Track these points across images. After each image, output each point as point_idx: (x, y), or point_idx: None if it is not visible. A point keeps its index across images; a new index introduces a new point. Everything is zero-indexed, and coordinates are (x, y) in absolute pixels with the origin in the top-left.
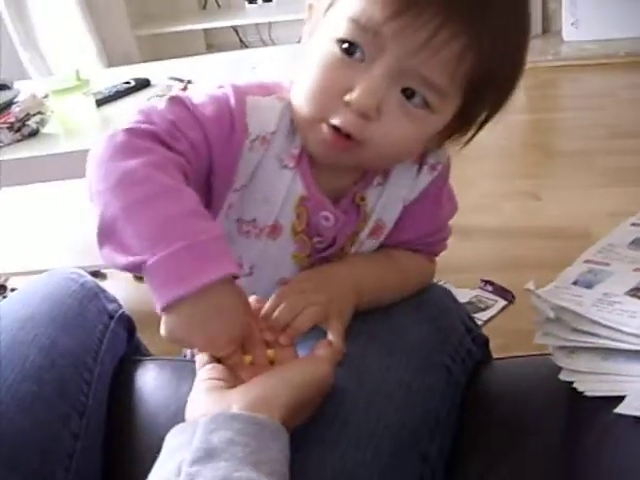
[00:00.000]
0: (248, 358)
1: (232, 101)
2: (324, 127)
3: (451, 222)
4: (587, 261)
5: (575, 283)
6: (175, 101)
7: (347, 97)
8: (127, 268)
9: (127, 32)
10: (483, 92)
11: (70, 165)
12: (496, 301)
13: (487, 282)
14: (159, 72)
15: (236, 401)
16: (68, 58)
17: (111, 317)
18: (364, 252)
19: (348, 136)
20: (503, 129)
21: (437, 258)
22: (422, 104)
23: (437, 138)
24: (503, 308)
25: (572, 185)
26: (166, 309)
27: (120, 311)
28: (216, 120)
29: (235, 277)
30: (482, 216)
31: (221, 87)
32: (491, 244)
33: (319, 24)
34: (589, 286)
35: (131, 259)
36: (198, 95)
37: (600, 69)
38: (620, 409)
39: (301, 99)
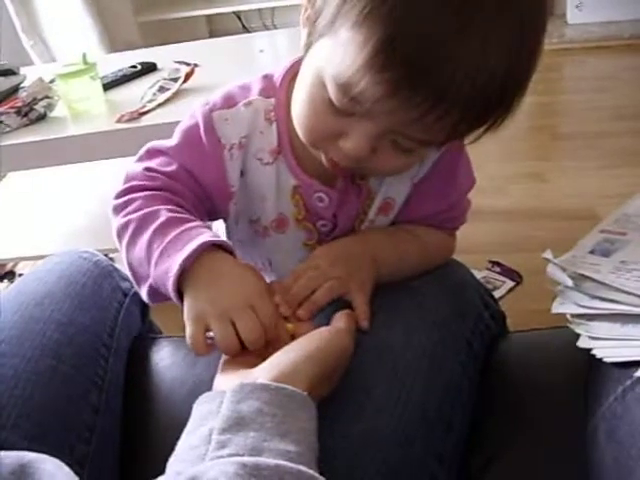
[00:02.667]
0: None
1: (201, 123)
2: (322, 156)
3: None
4: (603, 231)
5: (592, 252)
6: (150, 150)
7: (340, 143)
8: (149, 298)
9: (129, 18)
10: (479, 128)
11: (78, 149)
12: (504, 282)
13: (495, 263)
14: (165, 56)
15: (262, 376)
16: (71, 45)
17: (125, 295)
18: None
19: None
20: None
21: None
22: (414, 149)
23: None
24: (511, 289)
25: (578, 167)
26: (182, 299)
27: (133, 289)
28: (187, 147)
29: (225, 249)
30: (489, 198)
31: (191, 116)
32: (498, 226)
33: (313, 46)
34: (606, 254)
35: (145, 287)
36: (173, 137)
37: (604, 51)
38: None
39: (297, 125)
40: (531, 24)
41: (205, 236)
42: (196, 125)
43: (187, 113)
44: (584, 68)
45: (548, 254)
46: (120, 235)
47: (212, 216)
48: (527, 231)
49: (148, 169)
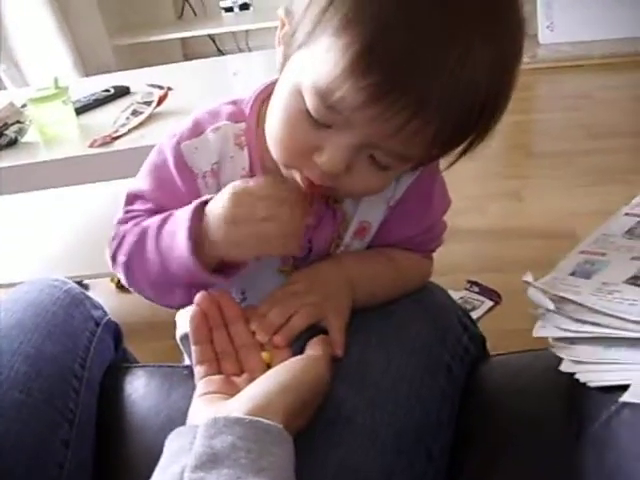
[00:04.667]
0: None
1: (170, 159)
2: (296, 174)
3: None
4: (583, 252)
5: (573, 274)
6: (128, 196)
7: (315, 158)
8: (184, 300)
9: (104, 42)
10: (459, 144)
11: (50, 174)
12: (483, 302)
13: (473, 283)
14: (138, 80)
15: (236, 409)
16: (44, 69)
17: (97, 324)
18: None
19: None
20: None
21: None
22: (391, 165)
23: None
24: (490, 309)
25: (554, 185)
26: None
27: (106, 318)
28: (160, 189)
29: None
30: (466, 218)
31: (159, 152)
32: (476, 245)
33: (290, 59)
34: (587, 276)
35: (178, 293)
36: (141, 175)
37: (576, 71)
38: (626, 397)
39: (271, 143)
40: (512, 40)
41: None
42: (165, 162)
43: (156, 145)
44: (556, 87)
45: (528, 277)
46: (129, 270)
47: None
48: (505, 250)
49: (129, 211)
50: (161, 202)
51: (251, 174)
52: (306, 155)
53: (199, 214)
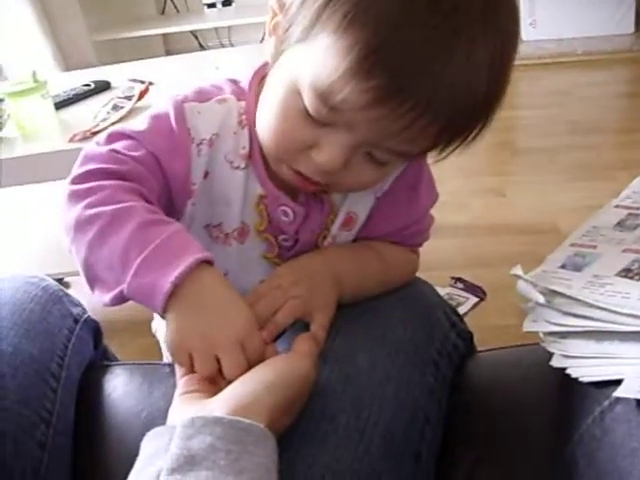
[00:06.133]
0: None
1: (171, 112)
2: (290, 170)
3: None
4: (573, 244)
5: (563, 267)
6: (113, 134)
7: (313, 155)
8: (114, 303)
9: (84, 38)
10: (454, 142)
11: (29, 169)
12: (467, 298)
13: (458, 279)
14: (119, 75)
15: (217, 409)
16: (24, 64)
17: (76, 321)
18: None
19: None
20: None
21: None
22: (388, 162)
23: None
24: (475, 305)
25: (537, 181)
26: (166, 318)
27: (85, 315)
28: (157, 133)
29: (209, 262)
30: (450, 214)
31: (159, 106)
32: (460, 241)
33: (285, 53)
34: (578, 269)
35: (112, 294)
36: (138, 120)
37: (559, 67)
38: (619, 392)
39: (264, 137)
40: (510, 38)
41: (194, 249)
42: (166, 113)
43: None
44: (539, 84)
45: (517, 270)
46: (81, 229)
47: (167, 214)
48: (489, 246)
49: (114, 151)
50: (153, 147)
51: (250, 154)
52: (301, 151)
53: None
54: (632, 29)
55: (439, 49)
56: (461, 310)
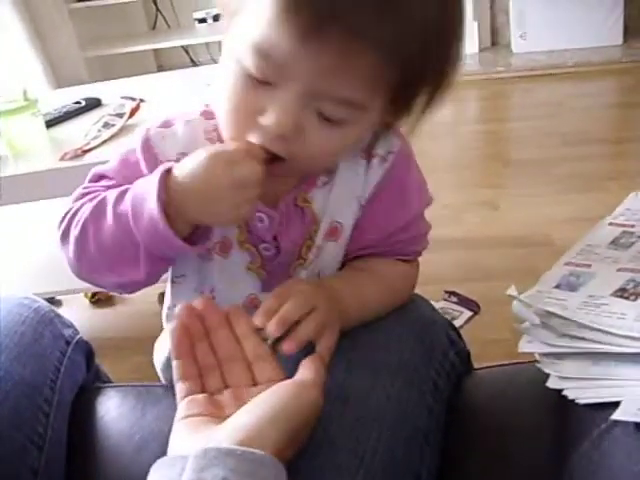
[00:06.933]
0: None
1: (138, 145)
2: (251, 137)
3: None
4: (568, 263)
5: (558, 287)
6: (91, 175)
7: (261, 120)
8: (147, 271)
9: (76, 54)
10: (414, 87)
11: (20, 188)
12: (462, 312)
13: (452, 293)
14: (110, 92)
15: (225, 439)
16: (15, 81)
17: (68, 343)
18: (329, 259)
19: (274, 155)
20: (459, 140)
21: None
22: (342, 120)
23: (380, 128)
24: (469, 319)
25: (530, 193)
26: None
27: (77, 337)
28: (125, 166)
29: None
30: (443, 228)
31: (129, 142)
32: (453, 255)
33: (228, 32)
34: (573, 289)
35: (140, 263)
36: (112, 159)
37: (550, 79)
38: (617, 415)
39: (221, 120)
40: None
41: (155, 174)
42: (133, 148)
43: None
44: (531, 96)
45: (512, 290)
46: (83, 240)
47: None
48: (483, 260)
49: (87, 187)
50: (123, 181)
51: None
52: (252, 119)
53: (165, 180)
54: (621, 40)
55: None
56: (455, 324)
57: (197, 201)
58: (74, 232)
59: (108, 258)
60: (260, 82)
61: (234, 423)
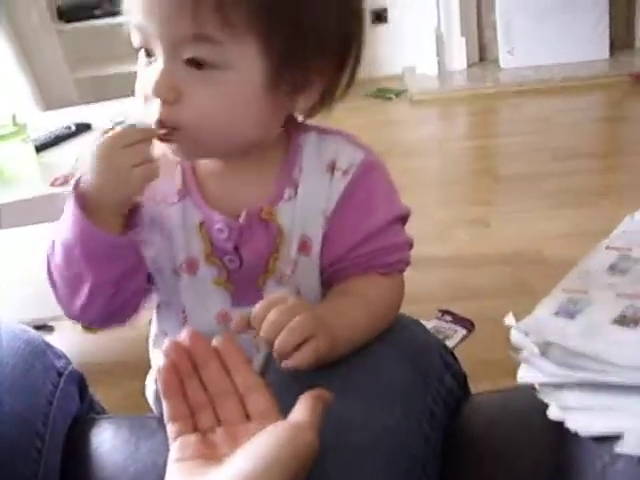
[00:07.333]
0: None
1: None
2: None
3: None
4: (565, 290)
5: (556, 314)
6: None
7: (149, 92)
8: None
9: (65, 75)
10: (291, 38)
11: (11, 214)
12: (456, 331)
13: (445, 312)
14: (101, 115)
15: None
16: (3, 102)
17: (60, 374)
18: (305, 274)
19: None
20: (448, 156)
21: None
22: (212, 65)
23: (286, 98)
24: (464, 338)
25: (521, 209)
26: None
27: (70, 367)
28: None
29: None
30: (434, 245)
31: None
32: (444, 273)
33: None
34: (571, 316)
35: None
36: None
37: (538, 94)
38: (620, 448)
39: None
40: None
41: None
42: None
43: None
44: (519, 111)
45: (510, 319)
46: (51, 280)
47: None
48: (475, 277)
49: None
50: None
51: (185, 189)
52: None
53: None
54: (607, 54)
55: None
56: (449, 343)
57: (99, 181)
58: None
59: (68, 282)
60: (149, 57)
61: (230, 469)
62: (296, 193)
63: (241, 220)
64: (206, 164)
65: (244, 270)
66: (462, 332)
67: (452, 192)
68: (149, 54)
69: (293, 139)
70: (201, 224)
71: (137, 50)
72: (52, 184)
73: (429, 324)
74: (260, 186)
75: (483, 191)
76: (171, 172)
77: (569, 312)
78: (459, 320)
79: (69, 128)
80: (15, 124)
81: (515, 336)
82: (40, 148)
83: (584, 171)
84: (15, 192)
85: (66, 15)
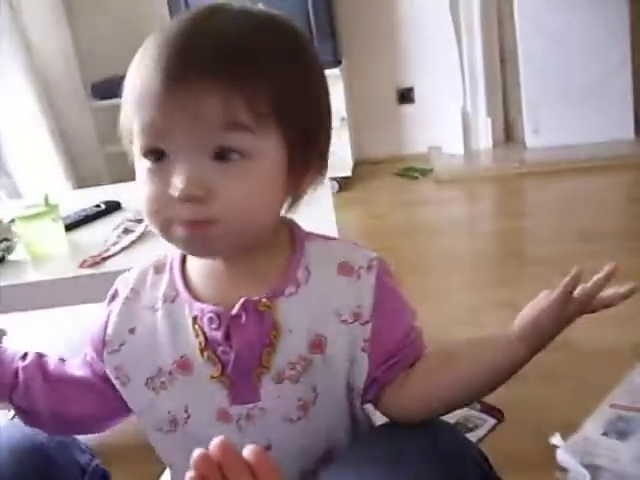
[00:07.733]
0: None
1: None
2: (176, 228)
3: (428, 338)
4: (613, 405)
5: (605, 434)
6: None
7: (173, 193)
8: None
9: (95, 149)
10: (302, 122)
11: (38, 295)
12: (485, 420)
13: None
14: (130, 193)
15: None
16: (36, 178)
17: (84, 471)
18: (326, 374)
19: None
20: (474, 237)
21: None
22: (237, 157)
23: (291, 184)
24: (493, 427)
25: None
26: None
27: (94, 464)
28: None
29: None
30: (460, 330)
31: None
32: None
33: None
34: (622, 437)
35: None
36: None
37: (563, 174)
38: None
39: (147, 221)
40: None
41: None
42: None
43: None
44: (545, 192)
45: (557, 439)
46: None
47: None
48: None
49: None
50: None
51: (174, 293)
52: (166, 200)
53: None
54: (632, 134)
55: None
56: (478, 433)
57: None
58: None
59: None
60: (160, 163)
61: None
62: (297, 292)
63: (234, 311)
64: (194, 267)
65: (237, 362)
66: (491, 422)
67: (479, 275)
68: (157, 157)
69: (298, 241)
70: (194, 319)
71: (140, 156)
72: (81, 265)
73: (459, 413)
74: (260, 282)
75: (511, 273)
76: (156, 280)
77: (619, 432)
78: (488, 409)
79: (99, 207)
80: (47, 204)
81: (561, 456)
82: (70, 226)
83: (612, 252)
84: (45, 272)
85: (100, 92)
